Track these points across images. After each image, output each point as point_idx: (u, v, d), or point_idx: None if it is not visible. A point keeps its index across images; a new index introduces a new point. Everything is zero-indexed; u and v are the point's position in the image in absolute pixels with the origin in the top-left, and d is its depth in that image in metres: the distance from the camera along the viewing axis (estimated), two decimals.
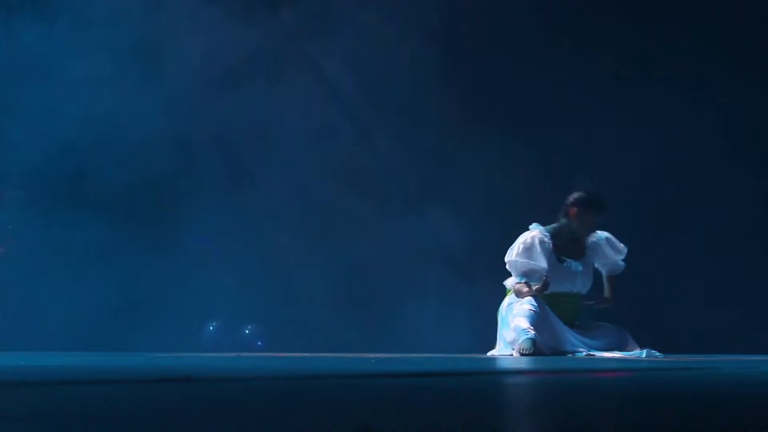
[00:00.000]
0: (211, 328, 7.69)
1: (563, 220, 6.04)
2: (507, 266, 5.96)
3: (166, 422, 1.76)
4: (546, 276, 5.82)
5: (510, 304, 5.88)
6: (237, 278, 7.66)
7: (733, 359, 5.43)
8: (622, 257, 6.11)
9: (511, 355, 5.66)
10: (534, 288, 5.83)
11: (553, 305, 5.84)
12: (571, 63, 7.82)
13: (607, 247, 6.09)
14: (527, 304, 5.73)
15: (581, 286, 6.05)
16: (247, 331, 7.69)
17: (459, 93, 7.73)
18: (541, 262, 5.86)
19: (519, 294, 5.87)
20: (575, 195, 6.03)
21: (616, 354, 5.71)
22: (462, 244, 7.88)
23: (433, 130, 7.94)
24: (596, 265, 6.13)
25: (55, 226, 7.28)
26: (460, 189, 7.82)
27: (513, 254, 5.91)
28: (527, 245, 5.91)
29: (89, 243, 7.39)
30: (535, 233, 5.96)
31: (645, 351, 5.71)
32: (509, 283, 5.98)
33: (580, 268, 6.05)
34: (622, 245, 6.11)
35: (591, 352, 5.72)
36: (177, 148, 7.64)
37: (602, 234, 6.10)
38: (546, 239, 5.96)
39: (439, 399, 2.35)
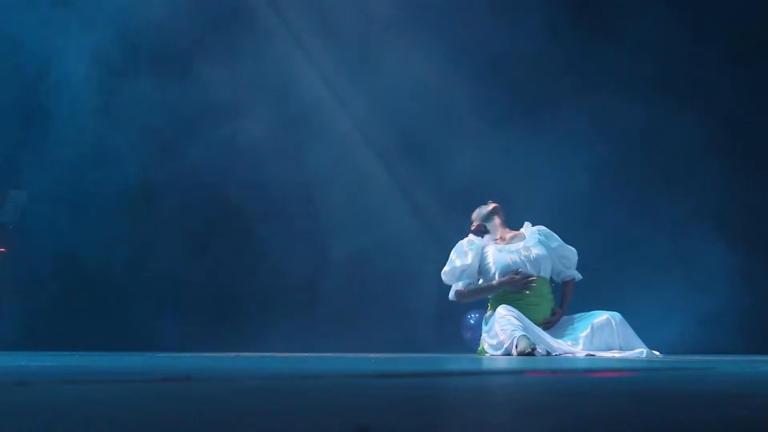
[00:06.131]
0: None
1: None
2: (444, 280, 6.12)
3: (166, 422, 1.76)
4: (518, 271, 5.95)
5: (491, 314, 5.91)
6: None
7: (733, 359, 5.43)
8: (569, 262, 6.16)
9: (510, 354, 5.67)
10: (510, 280, 5.95)
11: (524, 312, 5.88)
12: None
13: (543, 237, 6.15)
14: (505, 311, 5.78)
15: (534, 267, 6.06)
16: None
17: None
18: (466, 259, 6.02)
19: (480, 292, 6.04)
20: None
21: (616, 354, 5.70)
22: None
23: None
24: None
25: None
26: None
27: (444, 269, 6.11)
28: (456, 250, 6.11)
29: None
30: (463, 240, 6.17)
31: (645, 351, 5.71)
32: (451, 295, 6.11)
33: (521, 245, 6.11)
34: (559, 243, 6.18)
35: (591, 352, 5.72)
36: None
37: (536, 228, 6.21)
38: (474, 238, 6.15)
39: (439, 399, 2.35)
